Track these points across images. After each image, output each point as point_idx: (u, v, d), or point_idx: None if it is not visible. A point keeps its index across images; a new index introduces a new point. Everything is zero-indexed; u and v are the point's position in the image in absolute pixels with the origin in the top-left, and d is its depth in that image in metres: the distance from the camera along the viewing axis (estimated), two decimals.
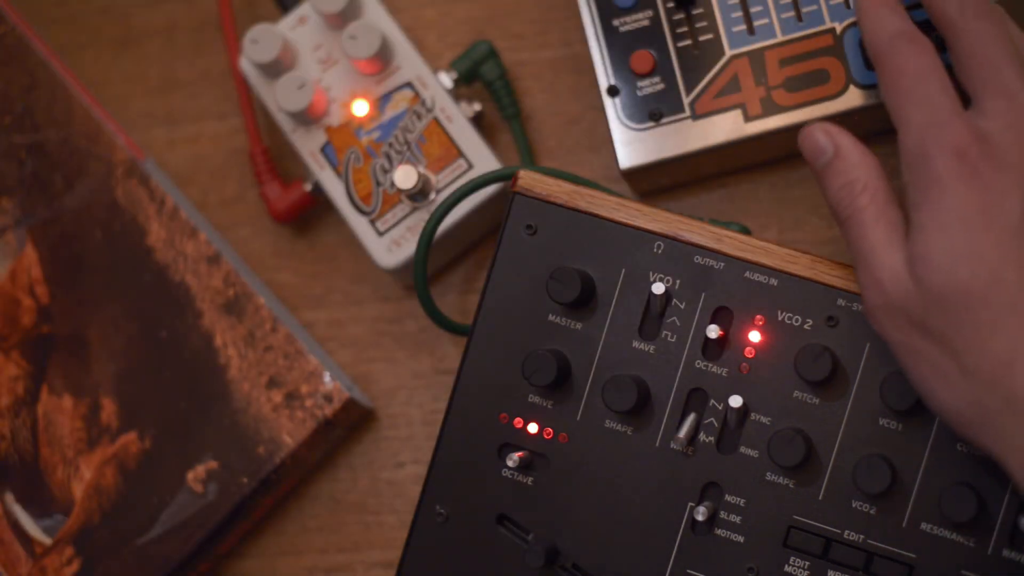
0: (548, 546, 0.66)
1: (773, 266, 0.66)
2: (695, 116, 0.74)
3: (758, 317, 0.66)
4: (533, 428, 0.68)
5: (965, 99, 0.62)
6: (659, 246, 0.67)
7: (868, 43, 0.64)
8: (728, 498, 0.65)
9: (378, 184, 0.80)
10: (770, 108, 0.74)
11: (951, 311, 0.58)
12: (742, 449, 0.66)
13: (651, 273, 0.67)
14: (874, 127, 0.70)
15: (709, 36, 0.74)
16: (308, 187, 0.83)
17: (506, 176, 0.74)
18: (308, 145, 0.81)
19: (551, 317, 0.68)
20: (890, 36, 0.63)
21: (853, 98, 0.73)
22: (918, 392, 0.61)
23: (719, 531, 0.66)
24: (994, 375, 0.57)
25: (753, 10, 0.74)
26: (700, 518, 0.65)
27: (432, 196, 0.79)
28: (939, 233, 0.58)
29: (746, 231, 0.70)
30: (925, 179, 0.59)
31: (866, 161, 0.62)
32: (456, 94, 0.81)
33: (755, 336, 0.66)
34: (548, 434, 0.67)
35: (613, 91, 0.75)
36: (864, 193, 0.61)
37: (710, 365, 0.66)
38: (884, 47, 0.63)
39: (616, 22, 0.75)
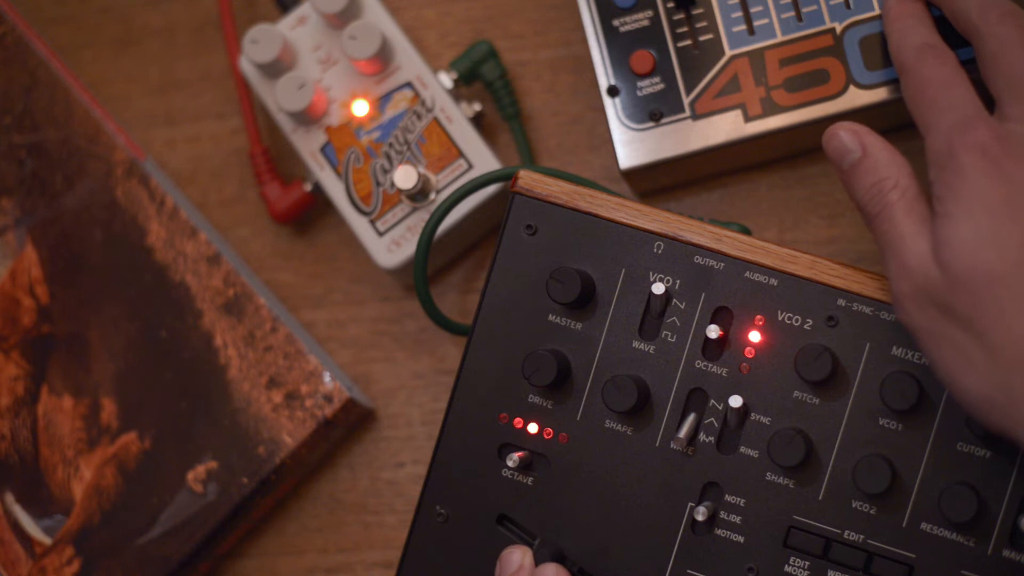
0: (555, 550, 0.66)
1: (773, 266, 0.66)
2: (695, 116, 0.74)
3: (758, 317, 0.66)
4: (533, 428, 0.68)
5: (991, 103, 0.63)
6: (659, 246, 0.67)
7: (894, 52, 0.67)
8: (728, 498, 0.65)
9: (378, 184, 0.80)
10: (770, 108, 0.74)
11: (975, 294, 0.58)
12: (742, 449, 0.66)
13: (651, 273, 0.67)
14: (874, 127, 0.70)
15: (709, 36, 0.74)
16: (308, 187, 0.83)
17: (506, 176, 0.74)
18: (308, 145, 0.81)
19: (551, 317, 0.68)
20: (916, 47, 0.65)
21: (853, 98, 0.73)
22: (942, 380, 0.61)
23: (719, 531, 0.66)
24: (1018, 356, 0.57)
25: (753, 10, 0.74)
26: (700, 518, 0.65)
27: (432, 196, 0.79)
28: (963, 220, 0.59)
29: (746, 231, 0.70)
30: (950, 173, 0.61)
31: (895, 159, 0.63)
32: (456, 94, 0.81)
33: (755, 336, 0.66)
34: (548, 434, 0.67)
35: (613, 91, 0.75)
36: (895, 190, 0.62)
37: (710, 365, 0.66)
38: (910, 58, 0.65)
39: (616, 22, 0.75)
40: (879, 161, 0.63)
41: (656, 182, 0.79)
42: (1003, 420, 0.59)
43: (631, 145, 0.75)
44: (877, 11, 0.73)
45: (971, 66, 0.66)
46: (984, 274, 0.58)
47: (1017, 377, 0.58)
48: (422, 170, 0.79)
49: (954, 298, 0.59)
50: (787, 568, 0.65)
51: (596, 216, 0.67)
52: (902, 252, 0.61)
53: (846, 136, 0.64)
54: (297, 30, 0.82)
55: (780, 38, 0.74)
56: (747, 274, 0.66)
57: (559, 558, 0.66)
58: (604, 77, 0.75)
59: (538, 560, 0.66)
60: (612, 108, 0.75)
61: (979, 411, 0.60)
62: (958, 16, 0.65)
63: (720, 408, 0.66)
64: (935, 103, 0.63)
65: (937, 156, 0.62)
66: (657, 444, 0.66)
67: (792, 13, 0.74)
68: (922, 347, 0.62)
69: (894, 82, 0.72)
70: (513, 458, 0.67)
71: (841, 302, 0.65)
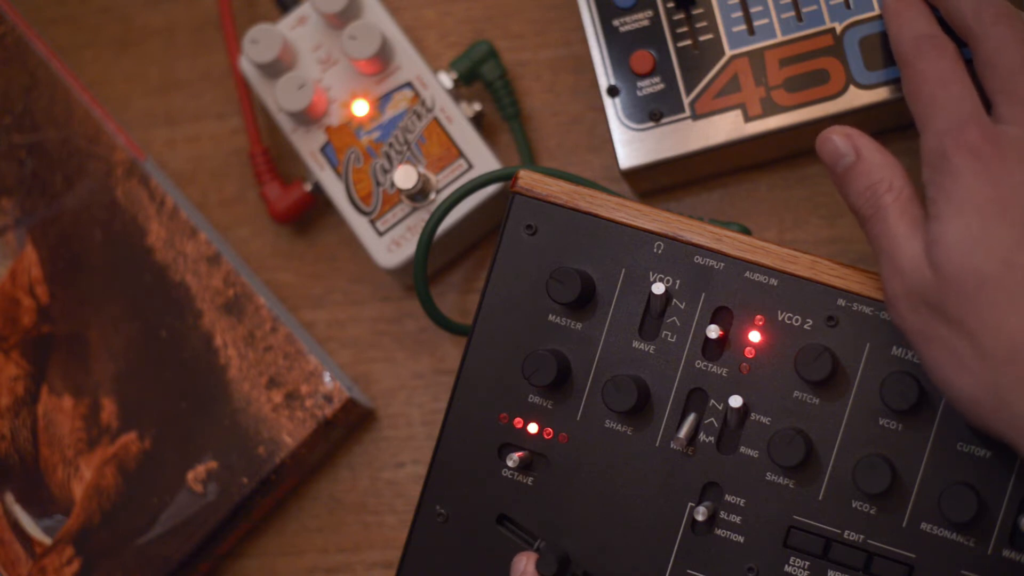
0: (560, 553, 0.66)
1: (773, 266, 0.66)
2: (695, 116, 0.74)
3: (758, 317, 0.66)
4: (533, 428, 0.68)
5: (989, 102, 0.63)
6: (659, 246, 0.67)
7: (894, 45, 0.66)
8: (728, 498, 0.65)
9: (378, 184, 0.80)
10: (770, 108, 0.74)
11: (966, 294, 0.59)
12: (742, 449, 0.66)
13: (651, 273, 0.67)
14: (874, 127, 0.70)
15: (709, 36, 0.74)
16: (308, 187, 0.83)
17: (506, 176, 0.74)
18: (308, 145, 0.81)
19: (551, 317, 0.68)
20: (914, 39, 0.65)
21: (853, 98, 0.73)
22: (934, 381, 0.61)
23: (719, 531, 0.66)
24: (1008, 356, 0.57)
25: (753, 10, 0.74)
26: (700, 518, 0.65)
27: (432, 196, 0.79)
28: (955, 220, 0.59)
29: (746, 231, 0.70)
30: (943, 174, 0.61)
31: (888, 162, 0.63)
32: (456, 94, 0.81)
33: (755, 336, 0.66)
34: (548, 434, 0.67)
35: (613, 91, 0.75)
36: (889, 192, 0.62)
37: (710, 365, 0.66)
38: (908, 50, 0.65)
39: (616, 22, 0.75)
40: (873, 164, 0.63)
41: (656, 182, 0.79)
42: (992, 422, 0.59)
43: (631, 145, 0.75)
44: (877, 11, 0.73)
45: (971, 66, 0.66)
46: (974, 274, 0.59)
47: (1006, 378, 0.58)
48: (422, 170, 0.79)
49: (945, 299, 0.59)
50: (787, 568, 0.65)
51: (596, 216, 0.67)
52: (895, 254, 0.61)
53: (839, 140, 0.64)
54: (297, 30, 0.82)
55: (780, 38, 0.74)
56: (747, 274, 0.66)
57: (563, 561, 0.66)
58: (604, 77, 0.75)
59: (543, 563, 0.65)
60: (612, 108, 0.75)
61: (969, 412, 0.60)
62: (953, 17, 0.65)
63: (720, 408, 0.66)
64: (931, 101, 0.63)
65: (931, 156, 0.62)
66: (657, 444, 0.66)
67: (792, 13, 0.74)
68: (915, 348, 0.62)
69: (894, 82, 0.72)
70: (513, 458, 0.67)
71: (841, 302, 0.65)
